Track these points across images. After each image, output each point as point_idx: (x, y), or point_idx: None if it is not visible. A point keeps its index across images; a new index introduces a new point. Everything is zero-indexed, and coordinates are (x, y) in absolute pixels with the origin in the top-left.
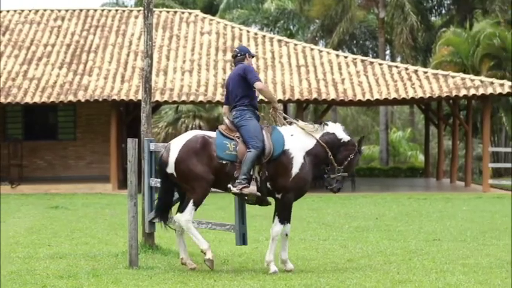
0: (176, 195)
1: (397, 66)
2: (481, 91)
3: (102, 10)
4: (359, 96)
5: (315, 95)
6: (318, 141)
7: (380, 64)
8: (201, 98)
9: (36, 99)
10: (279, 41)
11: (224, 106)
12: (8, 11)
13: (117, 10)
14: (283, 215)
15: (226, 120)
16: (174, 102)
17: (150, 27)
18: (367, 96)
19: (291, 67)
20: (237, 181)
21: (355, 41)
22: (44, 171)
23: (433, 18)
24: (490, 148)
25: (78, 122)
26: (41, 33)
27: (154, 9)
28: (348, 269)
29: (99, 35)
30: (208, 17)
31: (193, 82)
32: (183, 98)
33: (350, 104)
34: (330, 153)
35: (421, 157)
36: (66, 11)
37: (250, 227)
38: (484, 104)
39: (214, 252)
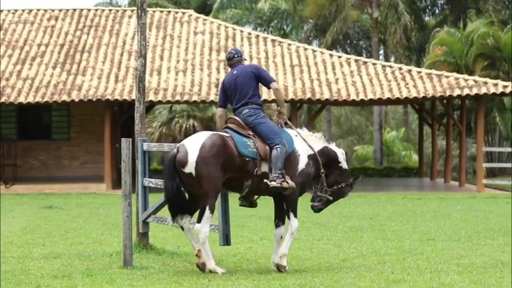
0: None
1: (390, 66)
2: (474, 91)
3: (96, 10)
4: (353, 96)
5: (308, 95)
6: (315, 152)
7: (374, 64)
8: (194, 98)
9: (30, 99)
10: (273, 40)
11: (219, 109)
12: (1, 11)
13: (110, 10)
14: (295, 209)
15: (236, 118)
16: (168, 102)
17: (144, 27)
18: (361, 96)
19: (285, 67)
20: (273, 176)
21: (348, 41)
22: (38, 171)
23: (426, 18)
24: (484, 148)
25: (72, 121)
26: (34, 33)
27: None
28: (342, 268)
29: (92, 34)
30: (202, 16)
31: (187, 82)
32: (177, 97)
33: (344, 103)
34: (322, 170)
35: (415, 157)
36: (60, 10)
37: (245, 227)
38: (477, 103)
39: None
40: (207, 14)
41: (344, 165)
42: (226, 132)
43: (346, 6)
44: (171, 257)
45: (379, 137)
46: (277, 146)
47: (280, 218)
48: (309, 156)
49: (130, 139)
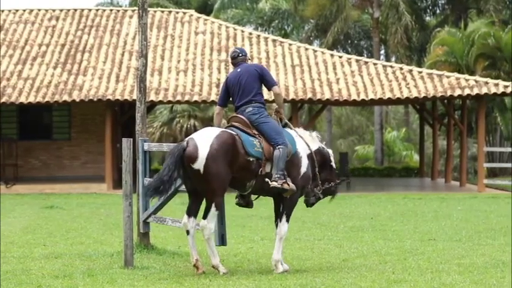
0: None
1: (391, 66)
2: (475, 91)
3: (97, 10)
4: (354, 96)
5: (309, 95)
6: (311, 152)
7: (374, 64)
8: (195, 98)
9: (31, 99)
10: (274, 40)
11: (217, 107)
12: (2, 11)
13: (111, 10)
14: (290, 213)
15: (241, 116)
16: (169, 102)
17: (145, 27)
18: (362, 96)
19: (286, 67)
20: (275, 176)
21: (349, 41)
22: (39, 171)
23: (427, 18)
24: (484, 148)
25: (72, 121)
26: (35, 33)
27: (148, 9)
28: (343, 268)
29: (93, 34)
30: (203, 16)
31: (187, 82)
32: (178, 97)
33: (345, 103)
34: (317, 168)
35: (416, 157)
36: (61, 10)
37: (246, 227)
38: (478, 103)
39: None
40: (208, 14)
41: (333, 164)
42: (232, 130)
43: (347, 6)
44: (172, 257)
45: (380, 137)
46: (279, 147)
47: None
48: (308, 156)
49: (131, 139)
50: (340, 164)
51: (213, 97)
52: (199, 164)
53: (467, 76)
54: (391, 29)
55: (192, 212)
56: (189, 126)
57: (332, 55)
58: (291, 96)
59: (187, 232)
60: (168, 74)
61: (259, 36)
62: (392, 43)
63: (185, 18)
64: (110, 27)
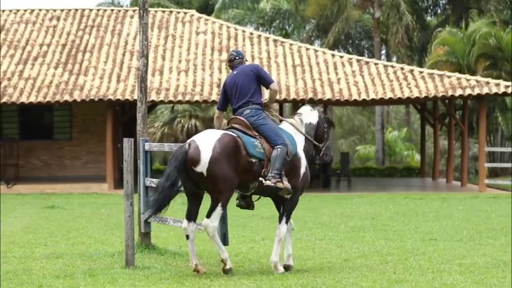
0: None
1: (392, 66)
2: (476, 91)
3: (98, 10)
4: (355, 96)
5: (310, 95)
6: (305, 136)
7: (376, 64)
8: (196, 98)
9: (32, 99)
10: (275, 40)
11: (217, 111)
12: (3, 11)
13: (112, 10)
14: (289, 215)
15: (241, 118)
16: (170, 102)
17: (146, 27)
18: (363, 96)
19: (287, 67)
20: (269, 175)
21: (350, 41)
22: (40, 171)
23: (428, 18)
24: (486, 148)
25: (74, 121)
26: (36, 33)
27: (149, 8)
28: (344, 268)
29: (94, 34)
30: (204, 16)
31: (189, 82)
32: (179, 97)
33: (346, 103)
34: (314, 142)
35: (417, 157)
36: (62, 10)
37: (247, 227)
38: (479, 103)
39: (211, 252)
40: (209, 14)
41: (314, 120)
42: (233, 132)
43: (348, 6)
44: (173, 257)
45: (381, 137)
46: (278, 147)
47: None
48: (303, 150)
49: (132, 139)
50: (341, 164)
51: (214, 97)
52: (202, 167)
53: (468, 76)
54: (392, 29)
55: (191, 216)
56: (190, 126)
57: (333, 55)
58: (292, 96)
59: (187, 237)
60: (169, 74)
61: (260, 36)
62: (393, 43)
63: (186, 18)
64: (111, 27)
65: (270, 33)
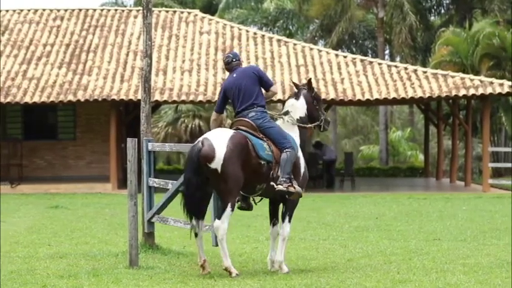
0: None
1: (396, 66)
2: (480, 91)
3: (102, 10)
4: (358, 96)
5: None
6: (299, 127)
7: (379, 64)
8: (200, 98)
9: (36, 99)
10: (278, 40)
11: (214, 113)
12: (7, 11)
13: (116, 10)
14: (292, 214)
15: (247, 120)
16: (174, 102)
17: (149, 27)
18: (367, 96)
19: (291, 67)
20: (281, 179)
21: (354, 41)
22: (44, 171)
23: (432, 18)
24: (489, 148)
25: (77, 121)
26: (40, 33)
27: (153, 8)
28: (348, 268)
29: (98, 34)
30: (208, 16)
31: (192, 82)
32: (183, 97)
33: (349, 103)
34: (311, 126)
35: (421, 157)
36: (66, 10)
37: (251, 227)
38: (483, 103)
39: (214, 252)
40: (213, 14)
41: (303, 112)
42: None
43: (352, 6)
44: (176, 257)
45: (384, 137)
46: (286, 150)
47: (276, 217)
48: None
49: (136, 139)
50: (345, 164)
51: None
52: (216, 164)
53: (472, 76)
54: (395, 29)
55: (200, 214)
56: (193, 126)
57: (337, 55)
58: None
59: (196, 235)
60: (172, 74)
61: (263, 36)
62: (397, 43)
63: (190, 18)
64: (115, 27)
65: (273, 33)
